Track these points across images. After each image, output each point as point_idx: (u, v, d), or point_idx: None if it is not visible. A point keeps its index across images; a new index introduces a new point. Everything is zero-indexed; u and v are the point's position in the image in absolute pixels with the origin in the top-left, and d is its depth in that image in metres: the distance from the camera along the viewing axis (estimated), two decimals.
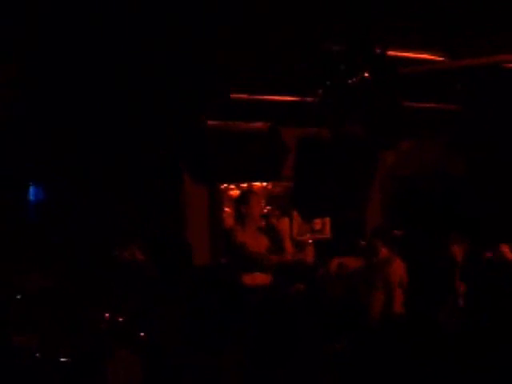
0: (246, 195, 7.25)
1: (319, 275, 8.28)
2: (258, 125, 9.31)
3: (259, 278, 6.86)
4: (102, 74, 6.81)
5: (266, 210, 8.32)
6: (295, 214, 8.38)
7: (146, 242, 7.32)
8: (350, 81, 6.24)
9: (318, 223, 8.51)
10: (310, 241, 7.85)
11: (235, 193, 9.10)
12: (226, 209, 9.26)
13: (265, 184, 9.60)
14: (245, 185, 9.33)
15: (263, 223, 7.27)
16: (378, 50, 6.22)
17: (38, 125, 7.88)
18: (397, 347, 6.43)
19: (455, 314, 7.21)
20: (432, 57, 7.35)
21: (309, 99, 7.72)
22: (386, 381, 5.90)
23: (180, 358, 5.50)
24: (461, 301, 7.57)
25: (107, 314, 6.19)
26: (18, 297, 6.35)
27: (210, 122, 8.87)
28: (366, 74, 6.20)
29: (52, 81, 7.06)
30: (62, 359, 5.75)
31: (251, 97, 8.29)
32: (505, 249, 7.41)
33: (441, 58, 7.40)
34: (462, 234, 8.11)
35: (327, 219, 8.52)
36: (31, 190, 8.62)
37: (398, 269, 7.45)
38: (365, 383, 5.91)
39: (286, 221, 7.60)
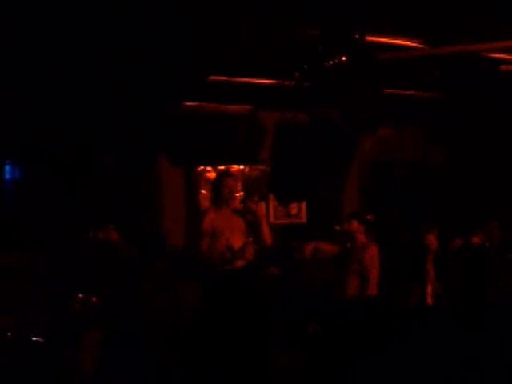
0: (221, 177, 7.23)
1: (294, 259, 8.30)
2: (236, 107, 9.27)
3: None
4: (76, 59, 6.77)
5: (242, 193, 8.29)
6: (271, 197, 8.39)
7: (122, 223, 7.29)
8: (327, 64, 6.22)
9: (294, 207, 8.53)
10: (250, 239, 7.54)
11: (212, 175, 9.06)
12: (203, 191, 9.22)
13: (242, 167, 9.57)
14: (222, 167, 9.29)
15: (240, 206, 7.25)
16: (357, 35, 6.20)
17: (14, 105, 7.82)
18: (369, 332, 6.47)
19: (425, 299, 7.27)
20: (411, 43, 7.36)
21: (287, 82, 7.70)
22: (357, 365, 5.94)
23: (151, 337, 5.49)
24: (431, 287, 7.63)
25: (81, 295, 6.16)
26: None
27: (187, 104, 8.83)
28: (344, 58, 6.18)
29: (28, 64, 7.00)
30: (34, 338, 5.73)
31: (229, 79, 8.26)
32: (476, 238, 7.45)
33: (420, 45, 7.41)
34: (437, 222, 8.16)
35: (303, 204, 8.54)
36: (7, 168, 8.56)
37: (374, 254, 7.48)
38: (338, 367, 5.95)
39: (262, 205, 7.58)
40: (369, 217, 7.62)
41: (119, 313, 5.90)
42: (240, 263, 6.91)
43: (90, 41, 6.49)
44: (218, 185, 7.04)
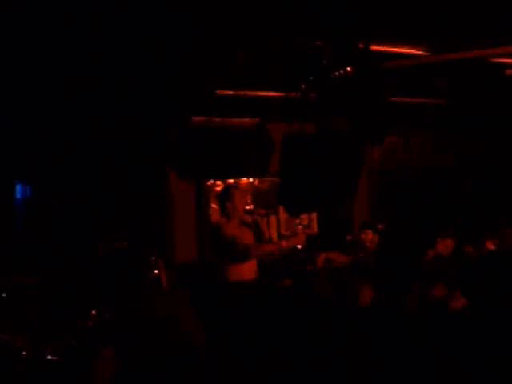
0: (228, 190, 7.24)
1: (306, 271, 8.29)
2: (244, 121, 9.30)
3: (246, 274, 6.86)
4: (84, 72, 6.80)
5: (251, 205, 8.29)
6: (282, 209, 8.37)
7: (132, 238, 7.31)
8: (332, 75, 6.23)
9: (304, 219, 8.49)
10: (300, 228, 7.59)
11: None
12: (213, 205, 9.25)
13: (251, 180, 9.59)
14: (231, 181, 9.32)
15: (249, 219, 7.26)
16: (361, 45, 6.21)
17: (23, 122, 7.86)
18: (384, 341, 6.45)
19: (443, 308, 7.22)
20: (416, 51, 7.37)
21: (293, 94, 7.72)
22: (374, 374, 5.93)
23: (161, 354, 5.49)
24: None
25: (94, 311, 6.16)
26: (3, 295, 6.33)
27: (195, 119, 8.87)
28: (349, 69, 6.19)
29: (37, 80, 7.05)
30: (49, 357, 5.73)
31: (236, 93, 8.29)
32: (490, 244, 7.41)
33: (425, 53, 7.42)
34: (450, 229, 8.13)
35: (314, 215, 8.51)
36: (18, 187, 8.59)
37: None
38: (352, 376, 5.94)
39: (272, 219, 7.59)
40: (379, 226, 7.62)
41: (132, 328, 5.91)
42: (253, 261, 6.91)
43: (96, 52, 6.53)
44: (224, 197, 7.06)
